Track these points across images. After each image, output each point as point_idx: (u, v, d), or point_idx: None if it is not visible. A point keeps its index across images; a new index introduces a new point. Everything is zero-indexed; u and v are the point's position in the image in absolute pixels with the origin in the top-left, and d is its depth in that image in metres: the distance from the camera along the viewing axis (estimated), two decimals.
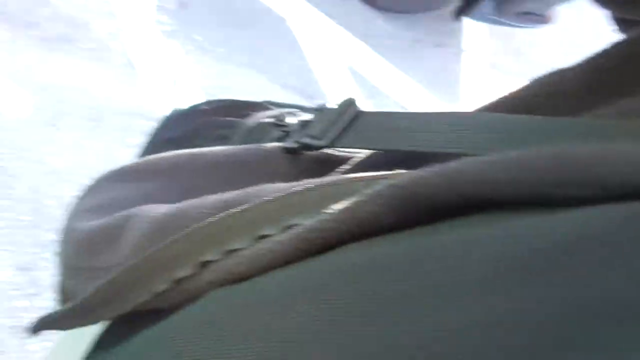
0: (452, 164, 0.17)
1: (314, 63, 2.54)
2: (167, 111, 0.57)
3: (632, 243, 0.13)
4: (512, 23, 2.92)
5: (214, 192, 0.31)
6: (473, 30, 3.34)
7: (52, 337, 1.25)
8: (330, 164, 0.32)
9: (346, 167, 0.31)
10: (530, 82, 0.26)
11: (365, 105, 0.34)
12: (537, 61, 3.33)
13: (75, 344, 0.51)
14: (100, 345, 0.33)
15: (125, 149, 1.83)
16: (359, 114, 0.32)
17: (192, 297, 0.24)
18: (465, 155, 0.19)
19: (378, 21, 2.93)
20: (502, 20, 3.01)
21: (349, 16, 2.80)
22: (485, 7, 3.04)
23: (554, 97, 0.25)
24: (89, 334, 0.49)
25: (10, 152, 1.61)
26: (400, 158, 0.27)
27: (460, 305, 0.14)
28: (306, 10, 2.64)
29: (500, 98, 0.27)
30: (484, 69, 3.27)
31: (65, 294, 0.36)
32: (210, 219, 0.25)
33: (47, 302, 1.52)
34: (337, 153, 0.34)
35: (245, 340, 0.18)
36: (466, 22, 3.23)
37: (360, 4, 2.87)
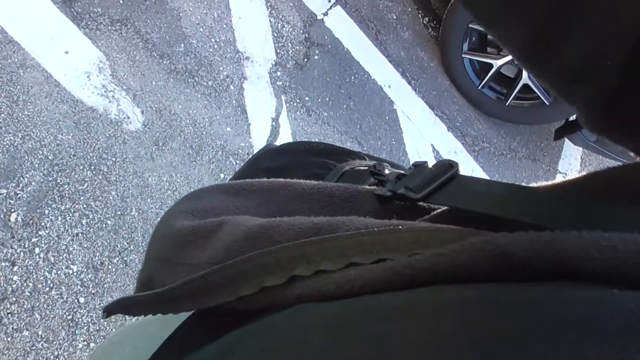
0: (546, 233, 0.20)
1: (407, 146, 2.59)
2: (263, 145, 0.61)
3: None
4: (613, 155, 2.84)
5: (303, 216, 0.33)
6: (570, 152, 3.30)
7: (99, 340, 1.29)
8: (414, 213, 0.34)
9: (429, 217, 0.33)
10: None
11: None
12: None
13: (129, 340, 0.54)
14: (178, 339, 0.35)
15: (214, 181, 1.92)
16: (457, 176, 0.34)
17: (275, 306, 0.26)
18: (545, 228, 0.21)
19: (478, 122, 2.96)
20: (603, 150, 2.95)
21: (452, 112, 2.86)
22: (589, 133, 3.00)
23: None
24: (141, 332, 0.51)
25: (114, 160, 1.73)
26: (479, 219, 0.29)
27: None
28: (411, 97, 2.72)
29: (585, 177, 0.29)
30: None
31: (147, 283, 0.38)
32: (305, 240, 0.27)
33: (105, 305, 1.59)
34: (421, 204, 0.35)
35: (332, 352, 0.20)
36: (566, 143, 3.20)
37: (466, 103, 2.92)
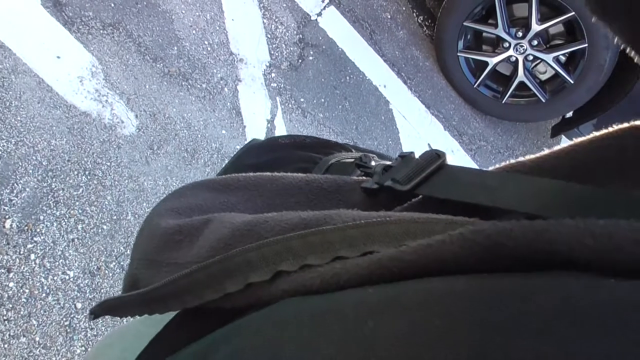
0: (538, 222, 0.19)
1: (404, 146, 2.59)
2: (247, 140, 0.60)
3: None
4: None
5: (291, 211, 0.32)
6: None
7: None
8: (399, 200, 0.33)
9: (411, 202, 0.32)
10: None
11: None
12: None
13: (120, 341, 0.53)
14: (165, 338, 0.35)
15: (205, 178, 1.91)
16: (444, 166, 0.33)
17: (261, 302, 0.26)
18: (537, 217, 0.20)
19: (475, 121, 2.95)
20: None
21: (448, 111, 2.85)
22: (585, 130, 3.03)
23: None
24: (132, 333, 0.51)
25: (108, 164, 1.72)
26: (469, 206, 0.28)
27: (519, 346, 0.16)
28: (407, 97, 2.72)
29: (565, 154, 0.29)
30: None
31: (134, 284, 0.38)
32: (291, 234, 0.27)
33: None
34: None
35: (316, 346, 0.19)
36: (563, 140, 3.20)
37: (462, 102, 2.92)
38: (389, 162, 0.38)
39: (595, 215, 0.19)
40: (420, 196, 0.32)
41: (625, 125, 0.27)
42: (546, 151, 0.30)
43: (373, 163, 0.41)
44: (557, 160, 0.29)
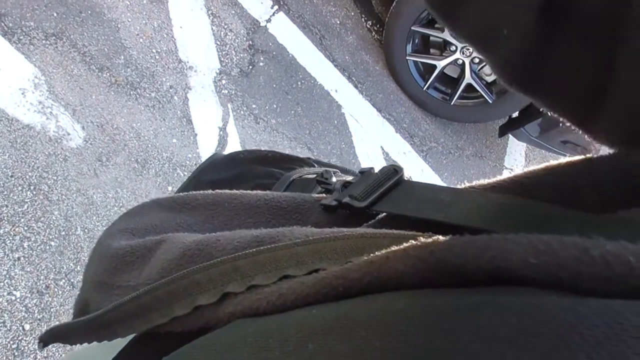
0: (481, 238, 0.19)
1: (357, 149, 2.61)
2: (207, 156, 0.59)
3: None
4: (554, 148, 2.94)
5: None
6: (515, 148, 3.39)
7: None
8: (361, 220, 0.33)
9: (374, 221, 0.32)
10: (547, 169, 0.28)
11: None
12: None
13: None
14: None
15: (161, 195, 1.87)
16: (401, 182, 0.33)
17: (210, 326, 0.25)
18: (488, 231, 0.20)
19: (425, 123, 3.01)
20: (545, 144, 3.04)
21: (399, 114, 2.89)
22: (531, 129, 3.09)
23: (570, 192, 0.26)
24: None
25: (55, 178, 1.66)
26: (425, 222, 0.28)
27: None
28: (358, 101, 2.74)
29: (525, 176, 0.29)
30: None
31: (84, 307, 0.37)
32: (238, 253, 0.26)
33: None
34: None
35: None
36: (510, 139, 3.29)
37: (412, 104, 2.96)
38: (350, 178, 0.38)
39: (544, 230, 0.18)
40: (381, 215, 0.32)
41: (578, 158, 0.26)
42: (498, 178, 0.29)
43: (334, 179, 0.40)
44: (512, 185, 0.28)
